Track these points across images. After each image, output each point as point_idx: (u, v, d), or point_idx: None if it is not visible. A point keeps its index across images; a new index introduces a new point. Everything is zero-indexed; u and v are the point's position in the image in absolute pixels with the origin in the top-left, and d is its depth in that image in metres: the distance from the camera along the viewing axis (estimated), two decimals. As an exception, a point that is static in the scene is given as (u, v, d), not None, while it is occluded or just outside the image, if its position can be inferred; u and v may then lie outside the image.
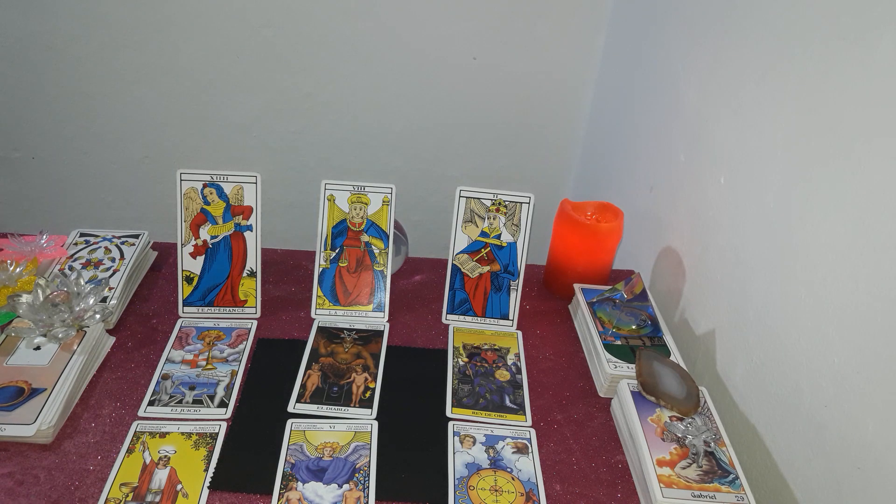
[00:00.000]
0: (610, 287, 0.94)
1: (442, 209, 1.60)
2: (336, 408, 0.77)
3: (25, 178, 1.56)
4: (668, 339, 0.87)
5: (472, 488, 0.68)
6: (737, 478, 0.67)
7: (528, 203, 0.91)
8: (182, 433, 0.72)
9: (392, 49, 1.41)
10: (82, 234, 0.98)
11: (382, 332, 0.89)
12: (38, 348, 0.79)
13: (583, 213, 1.00)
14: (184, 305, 0.89)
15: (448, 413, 0.78)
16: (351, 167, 1.56)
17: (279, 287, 0.97)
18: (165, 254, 1.02)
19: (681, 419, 0.73)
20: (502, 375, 0.84)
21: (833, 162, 0.66)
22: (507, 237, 0.92)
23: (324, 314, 0.91)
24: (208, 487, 0.67)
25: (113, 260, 0.93)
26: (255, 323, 0.89)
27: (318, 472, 0.69)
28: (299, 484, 0.67)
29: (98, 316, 0.81)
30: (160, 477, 0.67)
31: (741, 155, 0.83)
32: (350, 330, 0.89)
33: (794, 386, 0.71)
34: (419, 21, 1.39)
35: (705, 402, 0.76)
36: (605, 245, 0.97)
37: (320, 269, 0.91)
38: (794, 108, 0.73)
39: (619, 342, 0.86)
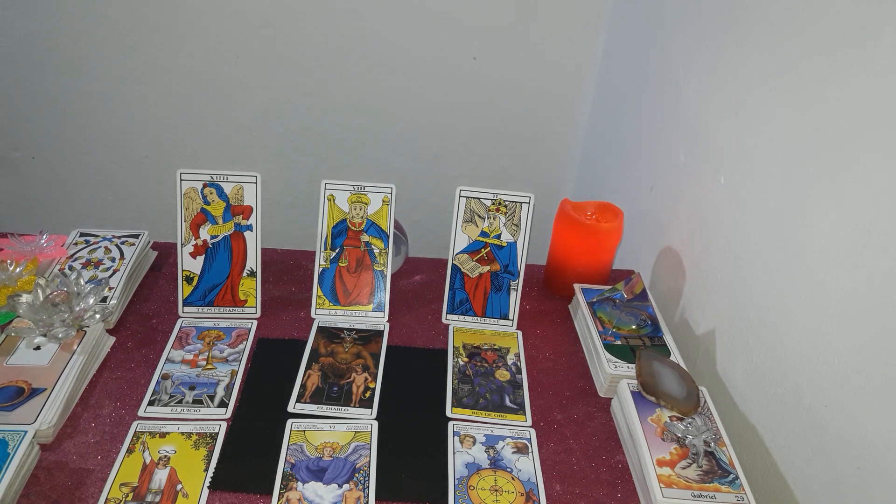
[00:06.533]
0: (610, 287, 0.94)
1: (442, 209, 1.60)
2: (336, 408, 0.77)
3: (25, 178, 1.56)
4: (668, 339, 0.87)
5: (472, 488, 0.68)
6: (737, 478, 0.67)
7: (528, 203, 0.91)
8: (182, 433, 0.72)
9: (392, 49, 1.41)
10: (82, 234, 0.98)
11: (382, 332, 0.89)
12: (38, 348, 0.79)
13: (583, 213, 1.00)
14: (184, 305, 0.89)
15: (448, 413, 0.78)
16: (351, 167, 1.56)
17: (279, 287, 0.97)
18: (165, 254, 1.02)
19: (681, 419, 0.73)
20: (502, 375, 0.84)
21: (833, 162, 0.66)
22: (507, 237, 0.92)
23: (324, 314, 0.91)
24: (208, 487, 0.67)
25: (113, 260, 0.93)
26: (255, 323, 0.89)
27: (318, 472, 0.69)
28: (299, 484, 0.67)
29: (98, 316, 0.81)
30: (160, 477, 0.67)
31: (741, 155, 0.83)
32: (350, 330, 0.89)
33: (794, 386, 0.71)
34: (419, 21, 1.39)
35: (705, 402, 0.76)
36: (605, 245, 0.97)
37: (320, 269, 0.91)
38: (794, 109, 0.73)
39: (619, 342, 0.86)
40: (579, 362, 0.88)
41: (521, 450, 0.74)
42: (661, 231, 1.07)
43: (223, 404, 0.76)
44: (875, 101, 0.61)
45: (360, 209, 0.91)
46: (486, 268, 0.92)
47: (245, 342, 0.86)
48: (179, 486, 0.67)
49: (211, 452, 0.70)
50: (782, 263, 0.74)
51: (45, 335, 0.78)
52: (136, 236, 0.98)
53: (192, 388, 0.78)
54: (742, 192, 0.83)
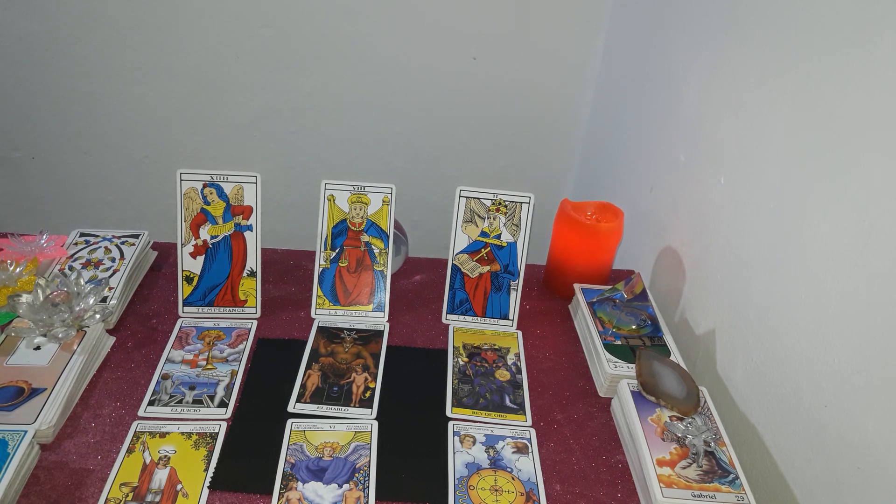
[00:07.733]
0: (610, 287, 0.94)
1: (442, 209, 1.60)
2: (336, 408, 0.77)
3: (25, 178, 1.56)
4: (668, 339, 0.87)
5: (472, 488, 0.68)
6: (737, 478, 0.67)
7: (528, 203, 0.91)
8: (182, 433, 0.72)
9: (392, 49, 1.41)
10: (82, 234, 0.98)
11: (382, 332, 0.89)
12: (38, 348, 0.79)
13: (583, 213, 1.00)
14: (184, 305, 0.89)
15: (448, 413, 0.78)
16: (351, 167, 1.56)
17: (279, 287, 0.97)
18: (165, 254, 1.02)
19: (681, 419, 0.73)
20: (502, 375, 0.84)
21: (833, 162, 0.66)
22: (507, 237, 0.92)
23: (324, 314, 0.91)
24: (208, 487, 0.67)
25: (113, 260, 0.93)
26: (255, 323, 0.89)
27: (318, 472, 0.69)
28: (299, 484, 0.67)
29: (98, 316, 0.81)
30: (160, 477, 0.67)
31: (741, 155, 0.83)
32: (350, 330, 0.89)
33: (794, 386, 0.71)
34: (419, 21, 1.39)
35: (705, 402, 0.76)
36: (605, 245, 0.97)
37: (320, 269, 0.91)
38: (794, 109, 0.73)
39: (619, 342, 0.86)
40: (579, 362, 0.88)
41: (521, 450, 0.74)
42: (661, 231, 1.07)
43: (223, 404, 0.76)
44: (875, 101, 0.61)
45: (360, 209, 0.91)
46: (486, 268, 0.92)
47: (245, 342, 0.86)
48: (179, 486, 0.67)
49: (211, 452, 0.70)
50: (782, 263, 0.74)
51: (45, 335, 0.78)
52: (136, 236, 0.98)
53: (192, 388, 0.78)
54: (742, 192, 0.83)
